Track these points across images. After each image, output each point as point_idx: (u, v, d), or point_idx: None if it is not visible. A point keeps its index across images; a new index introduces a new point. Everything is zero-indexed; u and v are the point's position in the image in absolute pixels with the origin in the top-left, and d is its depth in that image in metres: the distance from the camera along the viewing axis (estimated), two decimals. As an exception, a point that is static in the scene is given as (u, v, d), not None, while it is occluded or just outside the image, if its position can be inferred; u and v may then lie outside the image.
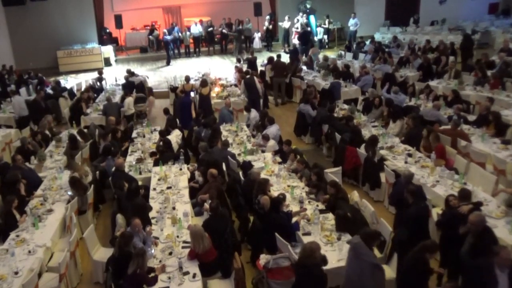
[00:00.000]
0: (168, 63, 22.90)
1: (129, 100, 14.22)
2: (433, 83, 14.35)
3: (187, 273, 6.43)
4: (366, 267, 5.95)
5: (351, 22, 23.15)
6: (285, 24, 24.05)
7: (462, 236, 6.41)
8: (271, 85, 16.66)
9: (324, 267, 6.34)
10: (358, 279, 6.00)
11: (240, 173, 9.50)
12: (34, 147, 11.15)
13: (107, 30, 24.73)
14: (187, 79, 15.01)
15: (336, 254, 6.65)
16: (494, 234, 6.30)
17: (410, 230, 6.97)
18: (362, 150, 9.99)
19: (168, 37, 22.91)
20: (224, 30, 24.31)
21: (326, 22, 24.24)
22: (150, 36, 24.83)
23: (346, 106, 13.17)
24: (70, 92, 16.79)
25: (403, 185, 7.85)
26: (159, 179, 9.41)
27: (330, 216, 7.64)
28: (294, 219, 7.43)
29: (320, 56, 19.05)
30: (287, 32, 24.35)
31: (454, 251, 6.42)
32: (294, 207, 7.95)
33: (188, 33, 24.31)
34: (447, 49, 17.79)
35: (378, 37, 23.51)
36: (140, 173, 9.87)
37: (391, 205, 8.85)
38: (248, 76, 15.22)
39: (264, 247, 7.39)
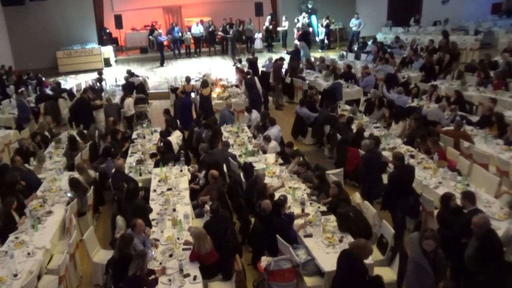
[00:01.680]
0: (161, 64, 22.87)
1: (129, 101, 14.14)
2: (436, 83, 14.24)
3: (187, 275, 6.38)
4: (411, 263, 5.99)
5: (354, 22, 23.07)
6: (283, 24, 23.97)
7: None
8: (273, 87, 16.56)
9: (326, 270, 6.36)
10: (409, 275, 6.04)
11: (241, 174, 9.45)
12: (34, 148, 11.09)
13: (107, 30, 24.69)
14: (188, 79, 14.96)
15: (337, 257, 6.56)
16: (499, 237, 6.24)
17: (392, 189, 8.18)
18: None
19: (162, 38, 22.84)
20: (220, 32, 24.26)
21: (324, 22, 24.15)
22: (150, 37, 24.73)
23: (348, 107, 13.11)
24: (70, 93, 16.71)
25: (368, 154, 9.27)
26: (159, 181, 9.34)
27: (332, 218, 7.59)
28: (296, 220, 7.37)
29: (315, 55, 18.99)
30: (285, 33, 24.32)
31: (457, 253, 6.38)
32: (296, 209, 7.89)
33: (188, 33, 24.26)
34: (457, 47, 17.82)
35: (380, 37, 23.42)
36: (140, 175, 9.81)
37: (359, 182, 9.70)
38: (249, 77, 15.16)
39: (265, 249, 7.33)
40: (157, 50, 23.80)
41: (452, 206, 6.96)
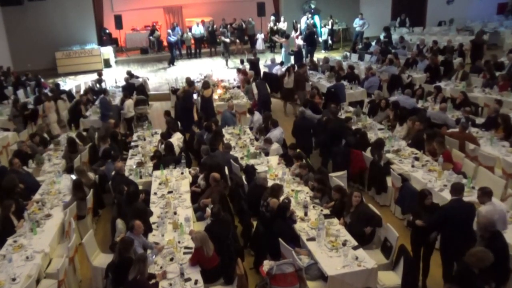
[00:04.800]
0: (171, 63, 22.78)
1: (129, 102, 14.03)
2: (440, 85, 14.13)
3: (188, 279, 6.31)
4: None
5: (357, 22, 22.96)
6: (282, 24, 23.84)
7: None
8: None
9: (330, 274, 6.28)
10: None
11: (243, 177, 9.36)
12: (33, 149, 10.97)
13: (107, 31, 24.56)
14: (188, 81, 14.82)
15: (341, 260, 6.50)
16: (504, 239, 6.12)
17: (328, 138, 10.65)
18: (368, 153, 9.84)
19: (172, 38, 22.66)
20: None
21: (330, 22, 24.08)
22: (151, 37, 24.71)
23: (351, 109, 13.01)
24: (69, 94, 16.62)
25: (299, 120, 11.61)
26: (160, 183, 9.24)
27: (335, 221, 7.51)
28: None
29: (319, 56, 18.87)
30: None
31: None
32: (298, 212, 7.82)
33: (189, 33, 24.17)
34: (480, 37, 17.96)
35: (384, 37, 23.33)
36: (141, 177, 9.72)
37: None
38: (258, 80, 15.15)
39: (267, 253, 7.25)
40: (158, 50, 23.78)
41: (426, 204, 6.90)
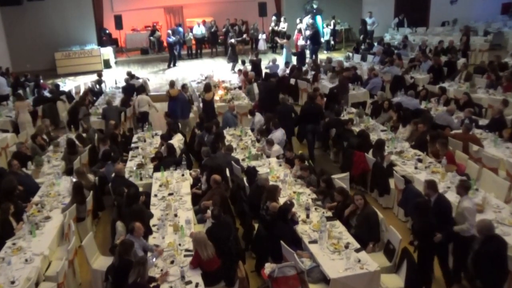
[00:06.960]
0: (172, 65, 22.70)
1: (140, 98, 14.16)
2: (445, 86, 14.06)
3: (189, 282, 6.25)
4: None
5: (368, 21, 22.92)
6: (282, 25, 23.78)
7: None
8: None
9: (332, 276, 6.22)
10: None
11: (244, 179, 9.30)
12: (35, 150, 10.91)
13: (107, 31, 24.52)
14: (172, 84, 14.66)
15: (343, 263, 6.44)
16: (499, 243, 6.04)
17: (301, 118, 11.81)
18: (370, 155, 9.76)
19: (170, 39, 22.57)
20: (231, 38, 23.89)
21: (332, 22, 24.01)
22: (151, 37, 24.65)
23: (354, 110, 12.94)
24: (69, 95, 16.56)
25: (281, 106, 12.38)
26: (160, 185, 9.18)
27: (337, 223, 7.46)
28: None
29: (321, 57, 18.83)
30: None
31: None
32: (300, 214, 7.76)
33: (190, 34, 24.11)
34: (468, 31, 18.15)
35: (387, 38, 23.31)
36: (141, 179, 9.66)
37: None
38: (259, 82, 15.17)
39: (269, 255, 7.19)
40: (158, 51, 23.82)
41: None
